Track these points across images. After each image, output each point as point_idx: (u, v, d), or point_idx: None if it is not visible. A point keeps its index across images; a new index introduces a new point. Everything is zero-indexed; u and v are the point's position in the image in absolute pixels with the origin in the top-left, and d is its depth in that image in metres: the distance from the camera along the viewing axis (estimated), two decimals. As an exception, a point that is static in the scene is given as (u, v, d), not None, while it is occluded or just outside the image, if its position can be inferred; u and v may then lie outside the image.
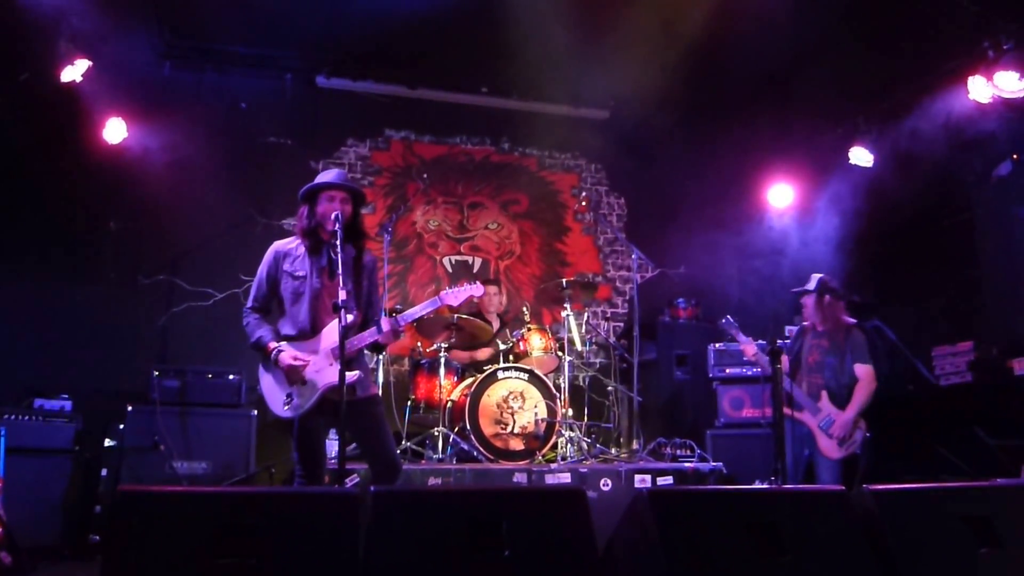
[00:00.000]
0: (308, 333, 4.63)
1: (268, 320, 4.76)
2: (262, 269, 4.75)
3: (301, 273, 4.67)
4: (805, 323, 6.40)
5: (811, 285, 6.18)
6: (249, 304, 4.75)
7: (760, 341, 6.45)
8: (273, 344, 4.59)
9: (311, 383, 4.55)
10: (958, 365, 7.30)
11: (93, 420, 6.72)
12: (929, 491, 3.76)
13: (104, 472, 6.50)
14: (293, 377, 4.55)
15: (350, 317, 4.37)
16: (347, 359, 4.30)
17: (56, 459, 6.35)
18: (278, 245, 4.81)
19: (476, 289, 5.09)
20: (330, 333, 4.56)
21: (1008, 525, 3.52)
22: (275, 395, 4.62)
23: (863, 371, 6.07)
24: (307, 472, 4.61)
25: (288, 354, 4.54)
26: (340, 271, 4.42)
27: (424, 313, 4.92)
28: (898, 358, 8.17)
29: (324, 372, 4.54)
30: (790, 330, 7.42)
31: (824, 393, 6.02)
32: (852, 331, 6.25)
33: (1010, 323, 6.52)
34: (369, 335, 4.61)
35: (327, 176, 4.76)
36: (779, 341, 6.29)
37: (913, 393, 7.83)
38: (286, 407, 4.56)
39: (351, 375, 4.40)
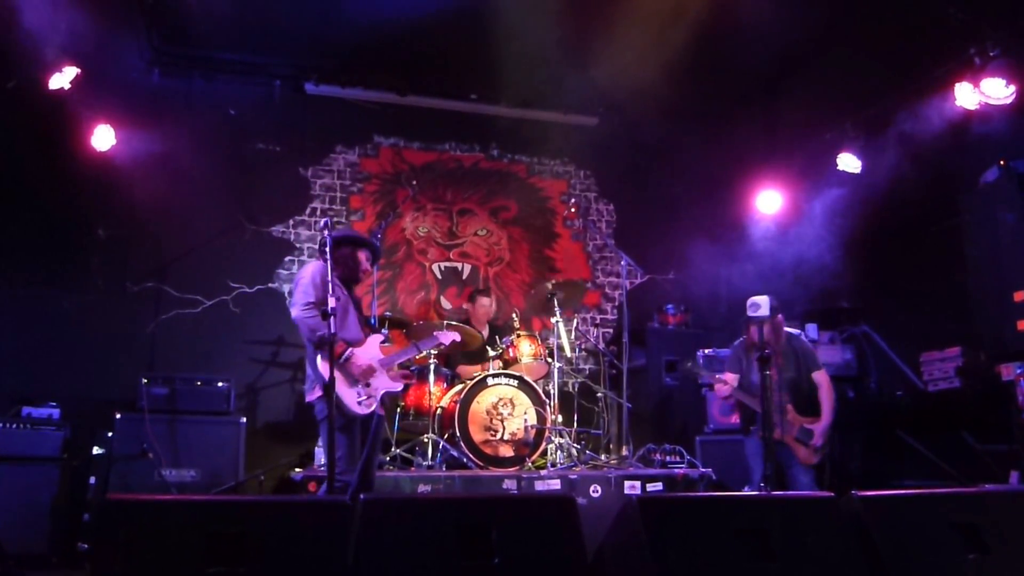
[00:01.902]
0: (358, 343, 5.29)
1: None
2: (316, 275, 5.13)
3: (340, 294, 5.12)
4: (744, 339, 6.23)
5: (765, 311, 5.71)
6: (312, 300, 5.04)
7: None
8: (345, 345, 5.10)
9: (373, 387, 5.20)
10: (946, 371, 7.31)
11: (81, 428, 6.69)
12: (918, 497, 3.78)
13: (92, 480, 6.46)
14: (363, 378, 5.17)
15: (382, 336, 5.48)
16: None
17: (44, 467, 6.30)
18: (319, 266, 5.22)
19: (444, 336, 6.22)
20: (370, 348, 5.33)
21: (996, 531, 3.54)
22: (348, 392, 5.09)
23: (822, 377, 6.10)
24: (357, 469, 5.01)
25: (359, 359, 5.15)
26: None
27: (430, 347, 6.42)
28: (886, 364, 8.21)
29: (378, 379, 5.25)
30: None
31: (790, 407, 5.99)
32: (796, 340, 6.23)
33: (998, 328, 6.52)
34: (410, 350, 5.89)
35: (373, 241, 5.73)
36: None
37: (902, 399, 7.85)
38: (359, 403, 5.10)
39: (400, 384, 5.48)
